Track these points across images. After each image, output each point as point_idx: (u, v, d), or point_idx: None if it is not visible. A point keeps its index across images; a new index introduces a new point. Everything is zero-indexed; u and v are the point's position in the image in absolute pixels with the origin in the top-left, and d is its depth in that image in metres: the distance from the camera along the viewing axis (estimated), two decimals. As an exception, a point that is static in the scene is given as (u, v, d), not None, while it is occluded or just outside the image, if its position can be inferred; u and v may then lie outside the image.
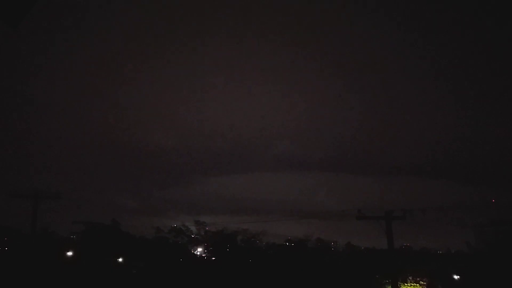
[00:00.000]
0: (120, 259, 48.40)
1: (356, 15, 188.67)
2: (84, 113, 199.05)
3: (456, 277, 40.56)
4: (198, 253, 56.73)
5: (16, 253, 46.90)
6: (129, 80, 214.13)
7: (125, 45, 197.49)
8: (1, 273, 37.27)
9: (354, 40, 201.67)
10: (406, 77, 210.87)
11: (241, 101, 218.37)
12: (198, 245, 56.77)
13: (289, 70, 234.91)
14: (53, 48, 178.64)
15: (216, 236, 52.29)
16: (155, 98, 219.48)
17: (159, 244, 52.20)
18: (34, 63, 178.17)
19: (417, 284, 41.51)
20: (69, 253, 47.16)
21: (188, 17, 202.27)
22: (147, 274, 44.01)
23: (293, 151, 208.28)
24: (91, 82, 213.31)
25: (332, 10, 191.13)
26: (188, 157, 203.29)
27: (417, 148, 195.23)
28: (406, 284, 41.32)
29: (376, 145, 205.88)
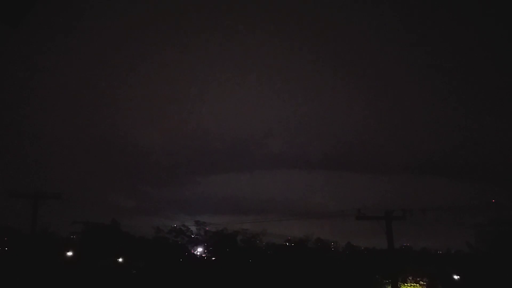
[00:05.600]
0: (120, 259, 48.37)
1: (355, 13, 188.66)
2: (84, 113, 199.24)
3: (456, 277, 40.52)
4: (198, 253, 56.63)
5: (16, 253, 46.84)
6: (127, 81, 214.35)
7: (123, 46, 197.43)
8: (1, 273, 37.22)
9: (354, 38, 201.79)
10: (407, 77, 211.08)
11: (238, 100, 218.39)
12: (198, 245, 56.67)
13: (288, 69, 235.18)
14: (52, 49, 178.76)
15: (216, 236, 52.24)
16: (153, 98, 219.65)
17: (159, 244, 52.12)
18: (33, 64, 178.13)
19: (417, 284, 41.46)
20: (69, 253, 47.14)
21: (184, 17, 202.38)
22: (147, 274, 43.96)
23: (292, 150, 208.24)
24: (91, 83, 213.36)
25: (332, 8, 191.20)
26: (187, 156, 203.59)
27: (418, 148, 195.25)
28: (406, 284, 41.27)
29: (376, 144, 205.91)
